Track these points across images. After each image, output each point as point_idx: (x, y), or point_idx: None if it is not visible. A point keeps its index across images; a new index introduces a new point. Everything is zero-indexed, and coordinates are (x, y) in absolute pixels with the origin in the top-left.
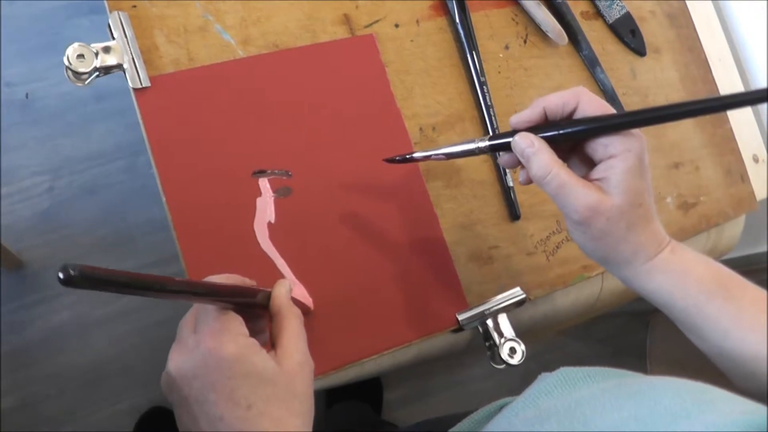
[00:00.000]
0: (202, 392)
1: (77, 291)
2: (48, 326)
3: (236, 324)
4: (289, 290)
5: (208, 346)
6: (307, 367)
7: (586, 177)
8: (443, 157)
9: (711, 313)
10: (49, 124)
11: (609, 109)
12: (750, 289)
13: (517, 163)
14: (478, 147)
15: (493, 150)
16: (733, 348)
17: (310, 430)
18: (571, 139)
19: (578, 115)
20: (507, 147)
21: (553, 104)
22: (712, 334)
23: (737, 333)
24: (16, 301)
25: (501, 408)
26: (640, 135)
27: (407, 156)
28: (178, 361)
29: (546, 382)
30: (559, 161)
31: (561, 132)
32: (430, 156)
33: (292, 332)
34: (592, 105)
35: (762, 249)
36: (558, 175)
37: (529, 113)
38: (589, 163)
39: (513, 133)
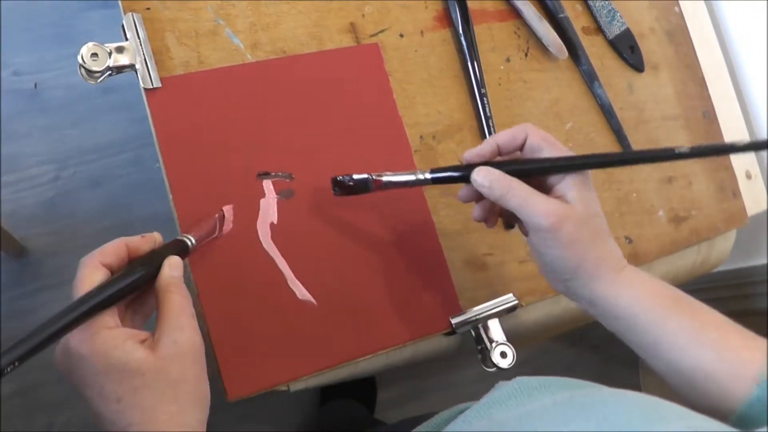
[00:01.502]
0: (80, 389)
1: None
2: (49, 314)
3: (99, 318)
4: (174, 268)
5: (70, 345)
6: (186, 346)
7: None
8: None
9: (670, 329)
10: (57, 114)
11: (553, 141)
12: (706, 310)
13: (473, 198)
14: (418, 178)
15: (435, 182)
16: (689, 367)
17: (200, 413)
18: (524, 175)
19: (527, 147)
20: (451, 180)
21: (504, 139)
22: (670, 351)
23: (694, 350)
24: (18, 288)
25: (460, 413)
26: None
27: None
28: (57, 355)
29: (501, 391)
30: (517, 179)
31: (515, 168)
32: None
33: (170, 312)
34: (537, 136)
35: (753, 263)
36: (522, 189)
37: (482, 148)
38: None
39: (458, 168)
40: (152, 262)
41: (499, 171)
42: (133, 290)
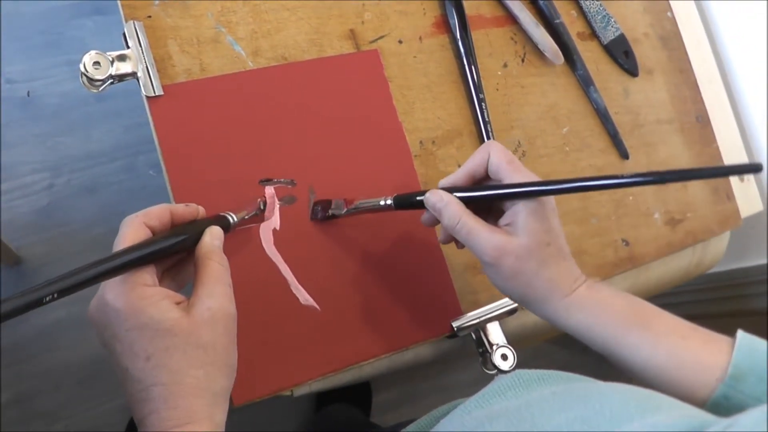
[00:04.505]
0: (110, 343)
1: None
2: (44, 323)
3: (138, 274)
4: (216, 237)
5: (105, 297)
6: (219, 313)
7: (496, 225)
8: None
9: (630, 343)
10: (50, 122)
11: (512, 161)
12: (666, 317)
13: (436, 222)
14: (384, 204)
15: (397, 207)
16: (654, 376)
17: (226, 381)
18: (477, 201)
19: (489, 167)
20: (411, 206)
21: (473, 164)
22: (634, 363)
23: (654, 361)
24: None
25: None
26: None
27: (328, 214)
28: (91, 309)
29: (500, 383)
30: (467, 211)
31: (468, 195)
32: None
33: (208, 278)
34: (497, 156)
35: (746, 264)
36: (466, 223)
37: (454, 176)
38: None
39: (419, 193)
40: (194, 229)
41: (450, 195)
42: (173, 253)
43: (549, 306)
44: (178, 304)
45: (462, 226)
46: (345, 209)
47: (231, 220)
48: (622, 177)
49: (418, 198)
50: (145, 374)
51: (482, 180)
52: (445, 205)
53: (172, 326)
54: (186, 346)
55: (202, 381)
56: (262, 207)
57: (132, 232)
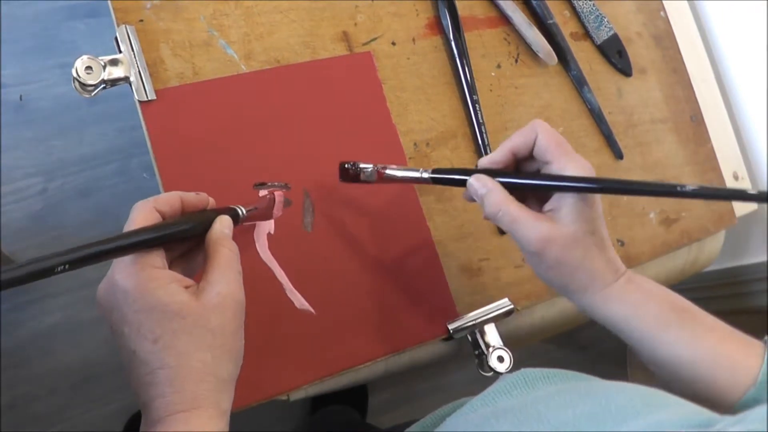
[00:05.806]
0: (118, 324)
1: (70, 292)
2: (40, 327)
3: (148, 256)
4: (226, 226)
5: (114, 278)
6: (229, 299)
7: (540, 210)
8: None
9: (666, 341)
10: (43, 125)
11: (561, 144)
12: (705, 317)
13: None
14: (421, 176)
15: (435, 182)
16: (687, 374)
17: (233, 367)
18: (524, 189)
19: (536, 148)
20: (451, 183)
21: (517, 142)
22: (669, 359)
23: (690, 358)
24: (8, 301)
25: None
26: (590, 168)
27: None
28: (100, 291)
29: (506, 381)
30: (510, 198)
31: (513, 181)
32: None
33: (218, 264)
34: (546, 137)
35: (742, 262)
36: (509, 212)
37: (494, 155)
38: (545, 199)
39: (459, 171)
40: (205, 217)
41: (494, 182)
42: (183, 239)
43: (588, 296)
44: (187, 288)
45: (504, 215)
46: (377, 177)
47: (240, 213)
48: (682, 187)
49: (458, 177)
50: (152, 356)
51: (524, 159)
52: (488, 193)
53: (181, 309)
54: (194, 328)
55: (209, 365)
56: (272, 204)
57: (143, 216)
